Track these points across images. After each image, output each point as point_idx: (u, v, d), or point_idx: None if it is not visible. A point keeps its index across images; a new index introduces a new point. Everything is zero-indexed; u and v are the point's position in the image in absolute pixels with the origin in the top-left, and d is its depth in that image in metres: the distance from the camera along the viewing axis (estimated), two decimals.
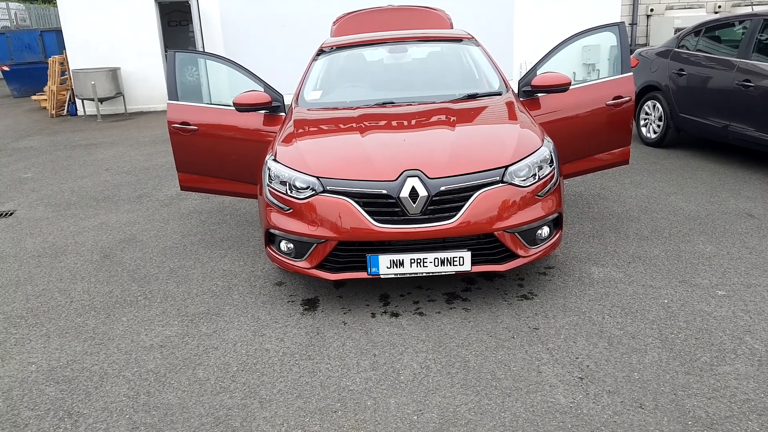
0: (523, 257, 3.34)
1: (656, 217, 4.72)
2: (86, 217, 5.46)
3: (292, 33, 11.61)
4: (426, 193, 3.17)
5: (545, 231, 3.40)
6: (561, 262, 3.96)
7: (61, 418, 2.64)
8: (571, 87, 4.19)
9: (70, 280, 4.10)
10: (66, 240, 4.89)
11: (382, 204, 3.20)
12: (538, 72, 4.31)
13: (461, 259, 3.22)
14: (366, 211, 3.20)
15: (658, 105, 6.86)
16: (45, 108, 12.54)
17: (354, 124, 3.74)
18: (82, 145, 8.97)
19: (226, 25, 11.72)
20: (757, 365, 2.76)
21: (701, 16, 11.80)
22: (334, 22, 5.92)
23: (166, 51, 10.81)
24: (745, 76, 5.62)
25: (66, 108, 12.20)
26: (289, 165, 3.46)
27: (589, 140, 4.43)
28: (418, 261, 3.21)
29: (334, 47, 4.85)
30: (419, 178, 3.20)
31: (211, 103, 4.73)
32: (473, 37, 4.95)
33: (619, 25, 4.46)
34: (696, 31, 6.58)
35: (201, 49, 11.17)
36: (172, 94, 4.38)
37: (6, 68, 15.40)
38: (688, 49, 6.57)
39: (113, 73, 11.45)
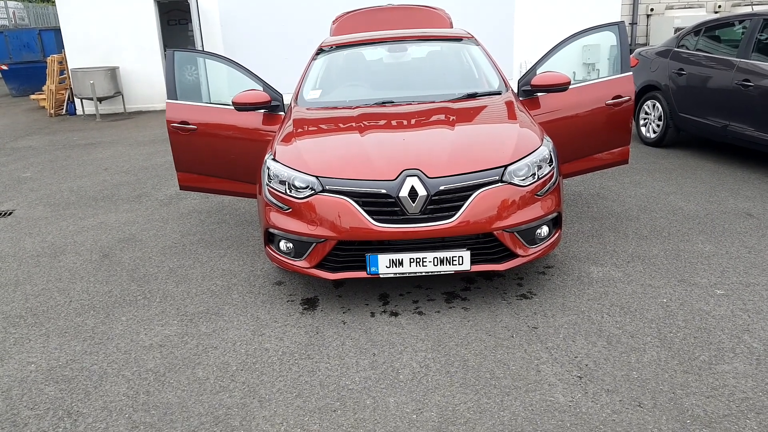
0: (523, 257, 3.34)
1: (655, 217, 4.72)
2: (85, 217, 5.46)
3: (292, 32, 11.60)
4: (425, 193, 3.17)
5: (544, 230, 3.40)
6: (560, 262, 3.97)
7: (61, 417, 2.64)
8: (570, 86, 4.19)
9: (69, 279, 4.10)
10: (65, 239, 4.88)
11: (382, 203, 3.20)
12: (538, 71, 4.31)
13: (460, 258, 3.22)
14: (365, 211, 3.20)
15: (657, 104, 6.87)
16: (44, 107, 12.53)
17: (353, 124, 3.73)
18: (81, 145, 8.97)
19: (226, 24, 11.72)
20: (755, 364, 2.76)
21: (701, 15, 11.80)
22: (333, 21, 5.92)
23: (165, 50, 10.82)
24: (744, 76, 5.62)
25: (65, 107, 12.20)
26: (288, 164, 3.46)
27: (588, 140, 4.43)
28: (418, 260, 3.21)
29: (334, 46, 4.85)
30: (418, 177, 3.20)
31: (211, 103, 4.73)
32: (473, 37, 4.95)
33: (618, 25, 4.46)
34: (696, 30, 6.59)
35: (200, 48, 11.16)
36: (171, 93, 4.38)
37: (5, 67, 15.39)
38: (687, 48, 6.57)
39: (112, 73, 11.45)
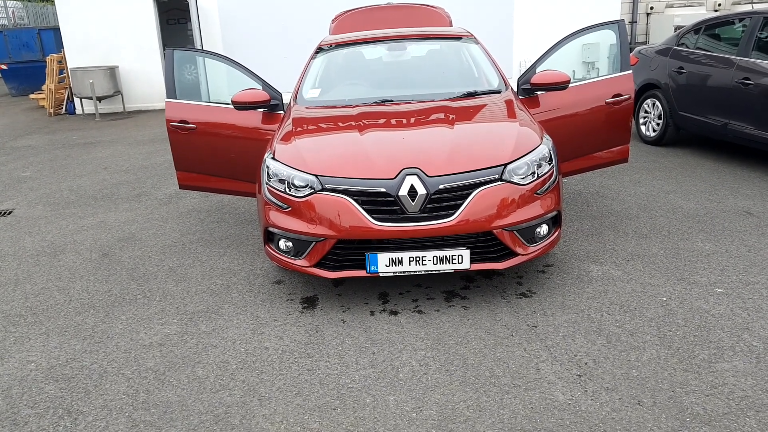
0: (522, 255, 3.34)
1: (655, 215, 4.72)
2: (85, 216, 5.46)
3: (291, 31, 11.59)
4: (425, 191, 3.17)
5: (544, 229, 3.40)
6: (560, 260, 3.97)
7: (61, 416, 2.64)
8: (570, 85, 4.19)
9: (69, 278, 4.10)
10: (65, 239, 4.88)
11: (381, 202, 3.20)
12: (538, 70, 4.30)
13: (460, 257, 3.22)
14: (365, 210, 3.20)
15: (657, 103, 6.86)
16: (43, 107, 12.52)
17: (353, 123, 3.73)
18: (80, 144, 8.96)
19: (225, 23, 11.71)
20: (755, 362, 2.76)
21: (701, 14, 11.79)
22: (332, 20, 5.92)
23: (164, 49, 10.80)
24: (744, 74, 5.62)
25: (64, 107, 12.19)
26: (287, 163, 3.45)
27: (588, 138, 4.43)
28: (417, 259, 3.21)
29: (333, 45, 4.85)
30: (418, 176, 3.20)
31: (210, 102, 4.72)
32: (472, 35, 4.94)
33: (618, 23, 4.46)
34: (696, 29, 6.58)
35: (199, 47, 11.16)
36: (171, 92, 4.37)
37: (4, 67, 15.38)
38: (687, 47, 6.57)
39: (111, 72, 11.44)
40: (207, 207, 5.54)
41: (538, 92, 4.30)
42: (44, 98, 12.24)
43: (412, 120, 3.74)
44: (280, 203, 3.40)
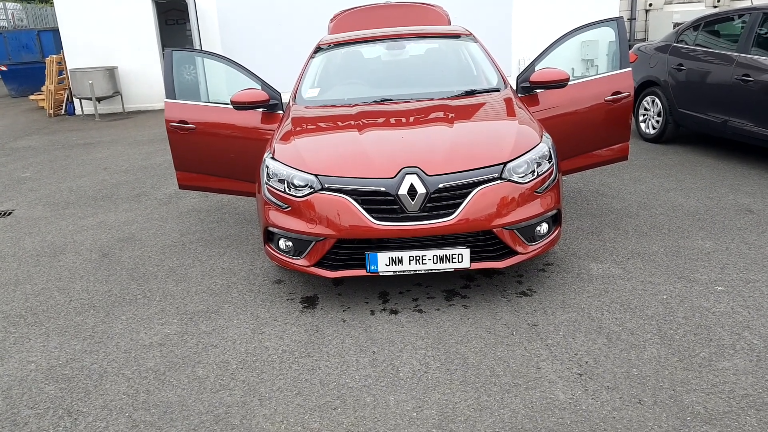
0: (522, 254, 3.33)
1: (655, 213, 4.72)
2: (85, 216, 5.45)
3: (290, 30, 11.58)
4: (424, 190, 3.16)
5: (544, 228, 3.40)
6: (560, 259, 3.96)
7: (61, 416, 2.64)
8: (569, 83, 4.19)
9: (69, 279, 4.10)
10: (65, 239, 4.88)
11: (381, 201, 3.19)
12: (537, 68, 4.30)
13: (460, 256, 3.21)
14: (364, 209, 3.20)
15: (657, 100, 6.86)
16: (43, 108, 12.52)
17: (352, 122, 3.73)
18: (80, 145, 8.96)
19: (224, 23, 11.70)
20: (755, 361, 2.76)
21: (700, 10, 11.78)
22: (331, 19, 5.91)
23: (163, 49, 10.79)
24: (744, 71, 5.61)
25: (64, 107, 12.19)
26: (287, 163, 3.45)
27: (587, 136, 4.43)
28: (417, 258, 3.21)
29: (332, 44, 4.84)
30: (417, 175, 3.19)
31: (209, 102, 4.72)
32: (471, 34, 4.94)
33: (617, 20, 4.45)
34: (695, 25, 6.57)
35: (198, 48, 11.15)
36: (170, 92, 4.37)
37: (4, 68, 15.38)
38: (687, 43, 6.56)
39: (111, 72, 11.44)
40: (207, 207, 5.54)
41: (538, 90, 4.30)
42: (44, 99, 12.24)
43: (412, 119, 3.73)
44: (279, 203, 3.40)
